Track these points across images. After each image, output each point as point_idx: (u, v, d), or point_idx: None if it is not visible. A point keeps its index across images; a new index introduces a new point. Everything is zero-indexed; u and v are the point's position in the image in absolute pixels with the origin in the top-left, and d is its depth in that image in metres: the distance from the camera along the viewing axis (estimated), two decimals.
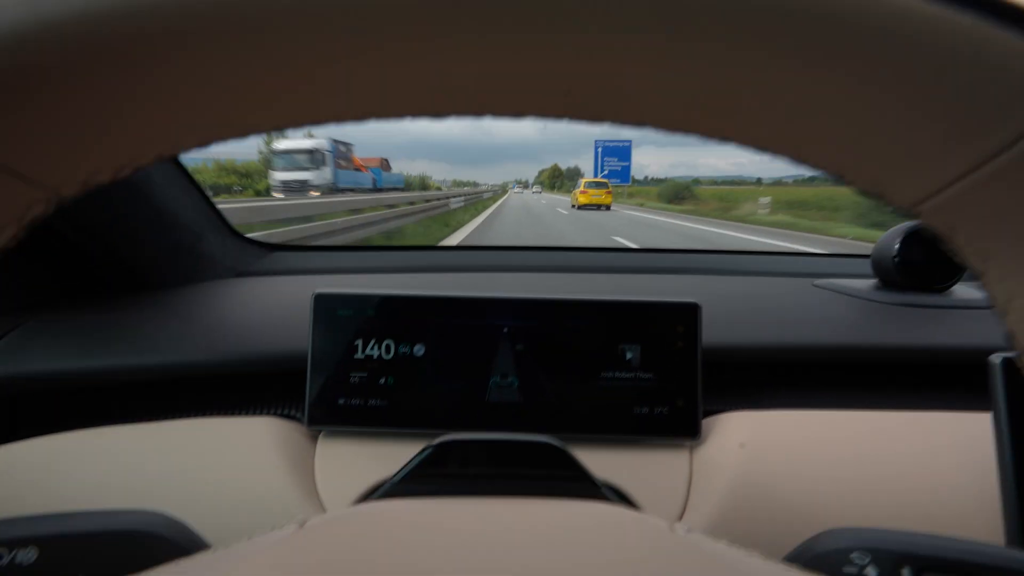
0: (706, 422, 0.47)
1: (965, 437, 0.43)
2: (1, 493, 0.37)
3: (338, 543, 0.19)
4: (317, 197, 13.41)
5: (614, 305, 0.46)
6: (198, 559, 0.19)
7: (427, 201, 13.76)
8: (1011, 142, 0.12)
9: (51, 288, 0.62)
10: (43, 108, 0.12)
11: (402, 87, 0.13)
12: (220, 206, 0.77)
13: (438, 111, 0.14)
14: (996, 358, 0.35)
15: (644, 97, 0.13)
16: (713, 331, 0.53)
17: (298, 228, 5.59)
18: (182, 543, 0.26)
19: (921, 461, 0.41)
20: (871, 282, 0.71)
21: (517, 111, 0.14)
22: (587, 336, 0.46)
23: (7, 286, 0.57)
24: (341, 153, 23.79)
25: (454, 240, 8.01)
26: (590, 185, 25.98)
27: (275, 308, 0.61)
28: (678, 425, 0.45)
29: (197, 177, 0.71)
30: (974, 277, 0.14)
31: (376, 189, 26.19)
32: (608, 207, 24.60)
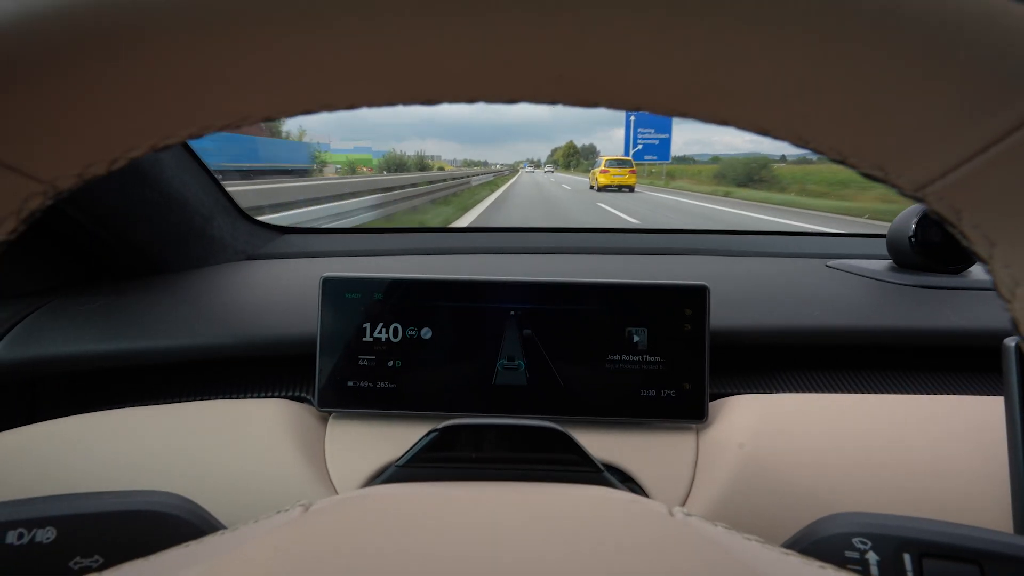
0: (713, 405, 0.47)
1: (977, 421, 0.42)
2: (20, 474, 0.39)
3: (341, 527, 0.20)
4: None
5: (622, 288, 0.46)
6: (206, 541, 0.19)
7: (403, 188, 10.51)
8: (1020, 123, 0.11)
9: (66, 272, 0.63)
10: (35, 101, 0.12)
11: (394, 74, 0.13)
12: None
13: (430, 98, 0.14)
14: (1011, 341, 0.35)
15: (639, 80, 0.13)
16: (722, 313, 0.53)
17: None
18: (196, 523, 0.27)
19: (931, 446, 0.41)
20: (886, 263, 0.70)
21: (509, 97, 0.14)
22: (594, 319, 0.46)
23: (23, 271, 0.59)
24: None
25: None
26: (611, 164, 22.72)
27: (285, 291, 0.61)
28: (685, 408, 0.45)
29: None
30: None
31: (248, 172, 14.71)
32: (632, 188, 21.63)
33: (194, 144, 0.70)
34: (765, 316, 0.55)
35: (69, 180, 0.14)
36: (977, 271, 0.66)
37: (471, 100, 0.15)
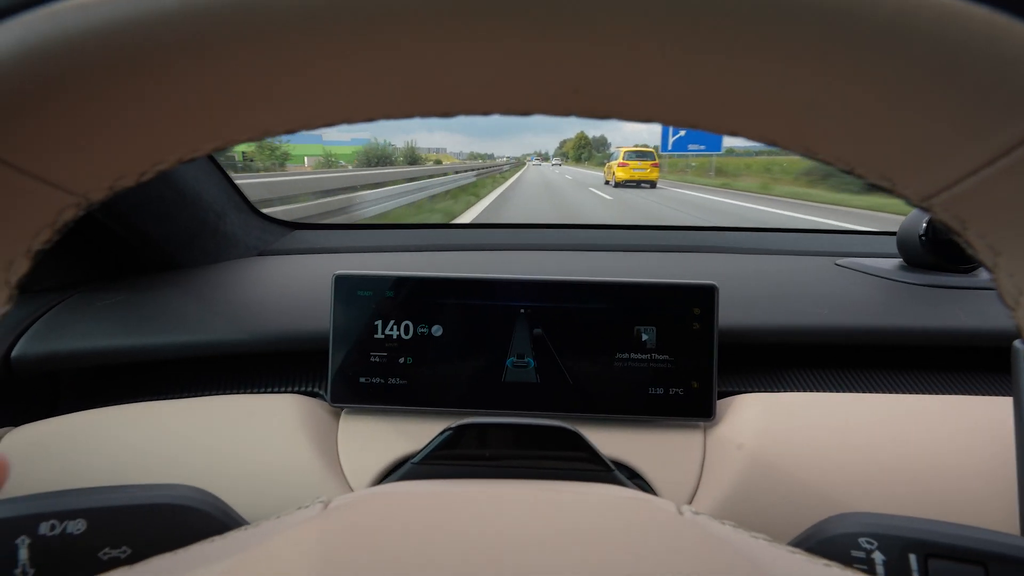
0: (721, 403, 0.48)
1: (987, 422, 0.42)
2: (41, 465, 0.40)
3: (361, 523, 0.21)
4: None
5: (630, 287, 0.47)
6: (229, 537, 0.20)
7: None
8: None
9: (84, 269, 0.64)
10: (74, 121, 0.13)
11: (412, 87, 0.13)
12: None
13: (447, 110, 0.14)
14: (1020, 344, 0.35)
15: (653, 94, 0.13)
16: (731, 312, 0.53)
17: None
18: (217, 516, 0.27)
19: (940, 446, 0.41)
20: (896, 262, 0.70)
21: (525, 109, 0.15)
22: (603, 318, 0.46)
23: (45, 267, 0.60)
24: None
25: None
26: (631, 156, 19.75)
27: (297, 287, 0.62)
28: (693, 406, 0.46)
29: None
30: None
31: None
32: (653, 184, 18.75)
33: None
34: (773, 315, 0.55)
35: (101, 192, 0.15)
36: None
37: (488, 112, 0.15)
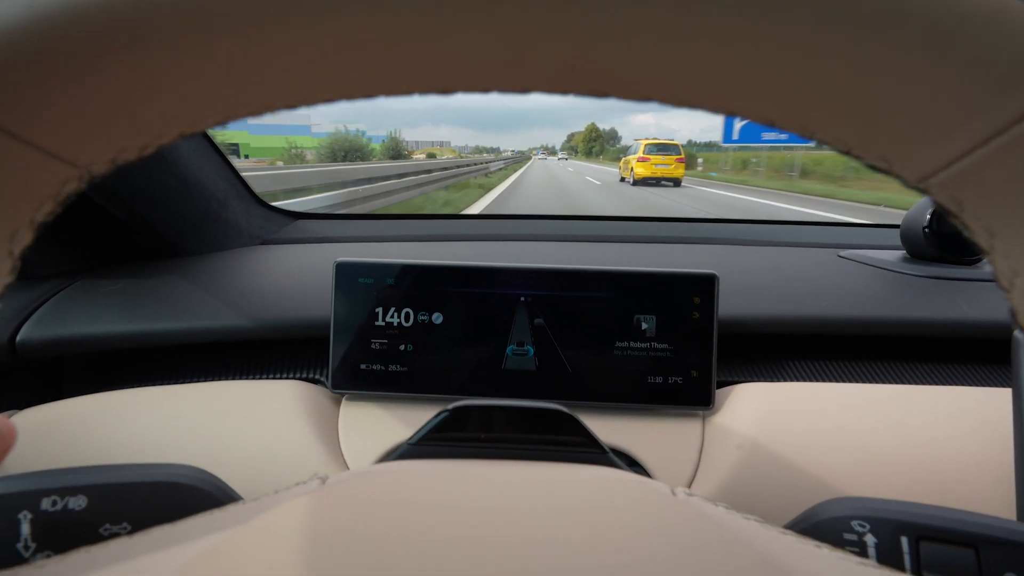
0: (720, 392, 0.48)
1: (986, 412, 0.42)
2: (46, 447, 0.41)
3: (357, 499, 0.21)
4: None
5: (631, 276, 0.47)
6: (229, 510, 0.20)
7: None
8: (1021, 115, 0.12)
9: (88, 255, 0.65)
10: (75, 92, 0.13)
11: (410, 64, 0.14)
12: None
13: (444, 87, 0.15)
14: (1021, 334, 0.35)
15: (651, 72, 0.13)
16: (732, 302, 0.53)
17: None
18: (216, 495, 0.28)
19: (937, 435, 0.41)
20: (899, 253, 0.69)
21: (522, 87, 0.15)
22: (603, 306, 0.47)
23: (49, 253, 0.60)
24: None
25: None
26: (652, 150, 17.10)
27: (299, 275, 0.63)
28: (692, 395, 0.46)
29: None
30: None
31: None
32: (678, 183, 16.34)
33: None
34: (774, 305, 0.55)
35: (103, 165, 0.15)
36: None
37: (486, 90, 0.15)
